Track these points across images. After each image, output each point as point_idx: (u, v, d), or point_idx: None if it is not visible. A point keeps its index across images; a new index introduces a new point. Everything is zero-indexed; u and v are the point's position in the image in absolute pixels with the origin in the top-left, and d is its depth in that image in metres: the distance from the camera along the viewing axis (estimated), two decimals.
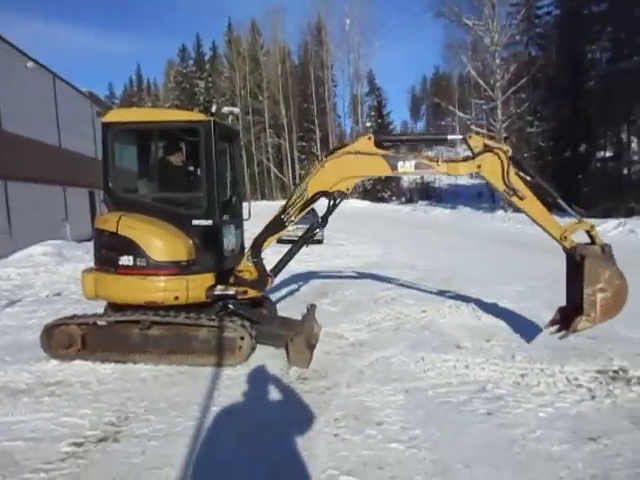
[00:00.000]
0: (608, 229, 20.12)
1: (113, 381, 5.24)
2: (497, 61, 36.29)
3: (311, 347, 5.88)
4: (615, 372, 5.12)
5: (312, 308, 6.71)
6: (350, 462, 3.53)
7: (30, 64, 20.60)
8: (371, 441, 3.83)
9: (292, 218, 6.18)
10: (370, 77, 69.00)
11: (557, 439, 3.81)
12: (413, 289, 9.71)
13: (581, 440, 3.79)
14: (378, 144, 6.06)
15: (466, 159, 5.94)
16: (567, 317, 5.61)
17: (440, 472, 3.39)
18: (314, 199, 6.06)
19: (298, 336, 5.64)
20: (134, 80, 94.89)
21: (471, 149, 5.85)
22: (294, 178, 67.76)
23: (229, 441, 3.88)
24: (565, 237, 5.62)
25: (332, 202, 6.09)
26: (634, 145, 31.39)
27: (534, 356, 5.63)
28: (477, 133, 5.88)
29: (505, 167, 5.69)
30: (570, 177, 32.09)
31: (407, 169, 6.03)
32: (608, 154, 32.73)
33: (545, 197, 5.99)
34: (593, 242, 5.60)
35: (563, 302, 7.88)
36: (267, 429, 4.07)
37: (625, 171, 31.29)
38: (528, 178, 5.97)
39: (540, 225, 5.76)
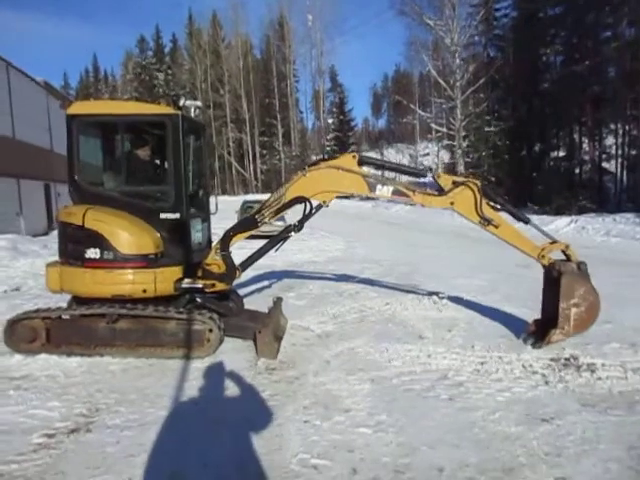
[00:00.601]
0: (561, 226, 20.91)
1: (81, 374, 5.22)
2: (457, 61, 37.05)
3: (278, 339, 6.00)
4: (567, 360, 5.42)
5: (278, 301, 6.80)
6: (320, 446, 3.67)
7: None
8: (340, 427, 3.98)
9: (266, 220, 6.29)
10: (332, 73, 69.42)
11: (514, 421, 4.05)
12: (376, 283, 9.94)
13: (536, 421, 4.04)
14: (361, 164, 6.23)
15: (440, 194, 6.14)
16: (542, 328, 5.93)
17: (406, 453, 3.58)
18: (291, 204, 6.17)
19: (265, 328, 5.75)
20: (90, 70, 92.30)
21: (441, 187, 6.07)
22: (255, 173, 67.48)
23: (202, 429, 3.96)
24: (543, 256, 5.95)
25: (310, 208, 6.21)
26: (585, 146, 32.62)
27: (492, 345, 5.91)
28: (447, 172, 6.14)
29: (478, 199, 5.95)
30: (525, 175, 33.19)
31: (384, 193, 6.22)
32: (561, 154, 33.92)
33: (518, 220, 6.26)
34: (569, 260, 5.92)
35: (519, 295, 8.31)
36: (238, 417, 4.17)
37: (577, 170, 32.53)
38: (498, 206, 6.24)
39: (517, 248, 6.05)
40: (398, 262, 13.06)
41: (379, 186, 6.19)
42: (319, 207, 6.30)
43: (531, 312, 6.90)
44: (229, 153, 67.38)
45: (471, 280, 10.13)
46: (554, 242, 6.03)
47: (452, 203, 6.05)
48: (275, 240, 6.42)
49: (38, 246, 17.16)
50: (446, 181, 6.11)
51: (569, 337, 5.69)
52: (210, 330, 5.73)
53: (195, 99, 8.07)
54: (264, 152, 68.21)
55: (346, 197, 55.65)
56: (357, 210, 40.47)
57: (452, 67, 37.84)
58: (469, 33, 37.59)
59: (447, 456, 3.53)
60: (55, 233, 23.99)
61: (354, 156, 6.23)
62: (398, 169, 7.17)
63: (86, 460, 3.53)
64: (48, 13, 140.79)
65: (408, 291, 9.02)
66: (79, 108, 6.37)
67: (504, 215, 6.19)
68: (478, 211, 5.98)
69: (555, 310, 5.65)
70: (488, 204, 6.07)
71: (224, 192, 64.31)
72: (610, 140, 31.99)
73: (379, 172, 7.15)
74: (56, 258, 6.46)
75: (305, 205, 6.20)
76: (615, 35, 29.23)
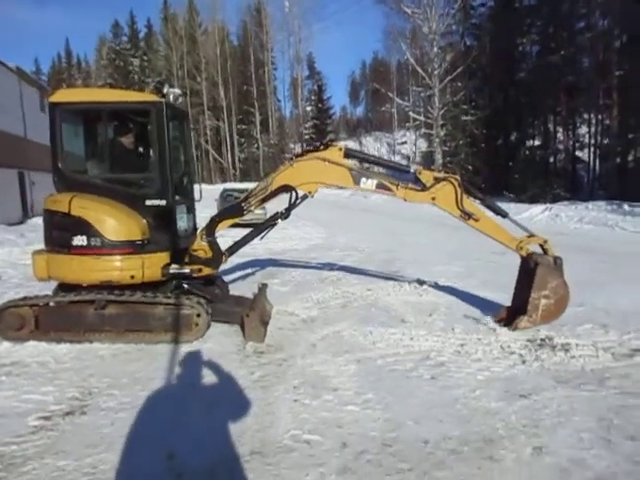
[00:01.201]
0: (536, 213, 21.41)
1: (71, 360, 5.28)
2: (435, 49, 37.31)
3: (265, 323, 6.13)
4: (542, 340, 5.67)
5: (263, 287, 6.92)
6: (311, 423, 3.83)
7: None
8: (329, 405, 4.15)
9: (251, 208, 6.40)
10: (310, 61, 69.14)
11: (494, 397, 4.27)
12: (357, 270, 10.12)
13: (514, 397, 4.27)
14: (347, 156, 6.35)
15: (423, 189, 6.30)
16: (511, 316, 6.19)
17: (393, 428, 3.76)
18: (276, 193, 6.27)
19: (253, 312, 5.88)
20: (63, 56, 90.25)
21: (423, 183, 6.23)
22: (234, 162, 67.02)
23: (196, 410, 4.08)
24: (521, 247, 6.21)
25: (296, 197, 6.31)
26: (560, 135, 33.24)
27: (471, 328, 6.14)
28: (427, 169, 6.28)
29: (458, 194, 6.14)
30: (501, 164, 33.72)
31: (368, 186, 6.36)
32: (536, 143, 34.52)
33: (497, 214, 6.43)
34: (546, 254, 6.17)
35: (495, 280, 8.57)
36: (230, 398, 4.31)
37: (551, 159, 33.17)
38: (477, 201, 6.42)
39: (496, 240, 6.28)
40: (378, 249, 13.28)
41: (363, 179, 6.33)
42: (304, 197, 6.41)
43: (507, 297, 7.14)
44: (207, 141, 66.81)
45: (449, 267, 10.38)
46: (531, 236, 6.26)
47: (434, 198, 6.22)
48: (262, 227, 6.53)
49: (14, 235, 16.92)
50: (427, 177, 6.26)
51: (535, 326, 5.95)
52: (198, 315, 5.84)
53: (172, 86, 8.08)
54: (242, 140, 67.77)
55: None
56: (336, 198, 40.64)
57: (430, 55, 38.13)
58: (447, 22, 37.84)
59: (431, 430, 3.73)
60: (31, 222, 23.63)
61: (340, 149, 6.35)
62: (383, 163, 7.33)
63: (84, 440, 3.63)
64: None
65: (389, 277, 9.22)
66: (62, 96, 6.35)
67: (482, 208, 6.40)
68: (459, 205, 6.17)
69: (526, 299, 5.92)
70: (468, 198, 6.27)
71: (202, 181, 63.73)
72: (583, 129, 32.71)
73: (364, 165, 7.27)
74: (34, 247, 6.45)
75: (291, 194, 6.31)
76: (589, 25, 29.81)
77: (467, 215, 6.18)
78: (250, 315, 5.80)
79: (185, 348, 5.58)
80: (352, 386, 4.50)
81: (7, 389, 4.53)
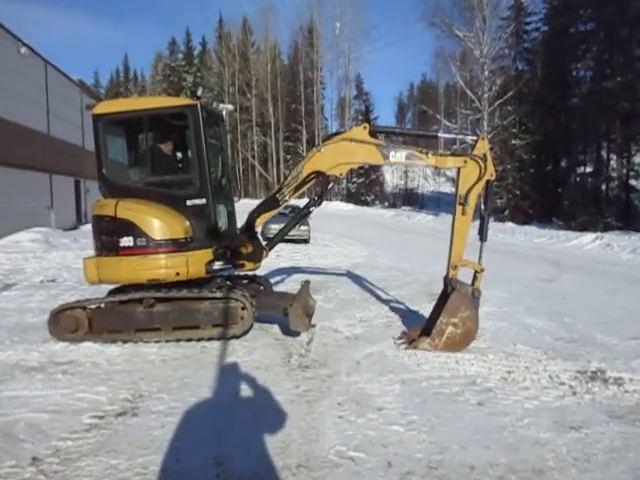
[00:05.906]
0: (586, 242, 20.75)
1: (122, 362, 5.48)
2: (485, 73, 37.03)
3: (308, 315, 6.23)
4: (594, 372, 5.48)
5: (306, 283, 6.94)
6: (356, 440, 3.83)
7: (23, 50, 20.44)
8: (373, 423, 4.14)
9: (286, 197, 6.54)
10: (358, 81, 69.54)
11: (543, 427, 4.16)
12: (401, 290, 10.06)
13: (564, 429, 4.14)
14: (372, 134, 6.42)
15: (454, 154, 6.33)
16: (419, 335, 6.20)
17: (438, 451, 3.72)
18: (308, 180, 6.40)
19: (297, 302, 6.06)
20: (121, 70, 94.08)
21: (473, 147, 6.24)
22: (279, 177, 67.85)
23: (242, 419, 4.15)
24: (456, 266, 6.14)
25: (326, 183, 6.42)
26: (613, 162, 32.26)
27: (518, 355, 6.00)
28: (489, 141, 6.23)
29: (476, 181, 6.13)
30: (551, 190, 32.96)
31: (398, 159, 6.43)
32: (588, 169, 33.59)
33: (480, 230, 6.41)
34: (473, 282, 6.14)
35: (542, 309, 8.38)
36: (275, 409, 4.36)
37: (604, 187, 32.18)
38: (482, 207, 6.41)
39: (452, 245, 6.26)
40: (421, 271, 13.14)
41: (392, 153, 6.37)
42: (336, 179, 6.51)
43: (555, 324, 6.98)
44: (253, 156, 67.98)
45: (494, 292, 10.15)
46: (473, 262, 6.24)
47: (465, 162, 6.19)
48: (297, 217, 6.65)
49: (69, 239, 17.66)
50: (482, 147, 6.18)
51: (436, 351, 5.87)
52: (243, 307, 6.01)
53: (223, 102, 8.32)
54: (288, 157, 68.61)
55: (367, 205, 55.77)
56: (378, 218, 40.56)
57: (480, 79, 37.82)
58: (498, 46, 37.54)
59: (478, 456, 3.66)
60: (84, 228, 24.60)
61: (365, 127, 6.42)
62: (409, 133, 7.39)
63: (135, 441, 3.75)
64: (83, 10, 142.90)
65: (433, 298, 9.11)
66: (103, 108, 6.66)
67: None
68: (468, 189, 6.13)
69: (434, 322, 5.87)
70: (480, 195, 6.26)
71: (246, 195, 64.80)
72: (639, 158, 31.61)
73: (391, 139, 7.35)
74: (86, 252, 6.71)
75: (322, 180, 6.40)
76: None
77: (465, 201, 6.13)
78: (294, 305, 5.97)
79: (232, 358, 5.68)
80: (397, 406, 4.48)
81: (63, 387, 4.73)
